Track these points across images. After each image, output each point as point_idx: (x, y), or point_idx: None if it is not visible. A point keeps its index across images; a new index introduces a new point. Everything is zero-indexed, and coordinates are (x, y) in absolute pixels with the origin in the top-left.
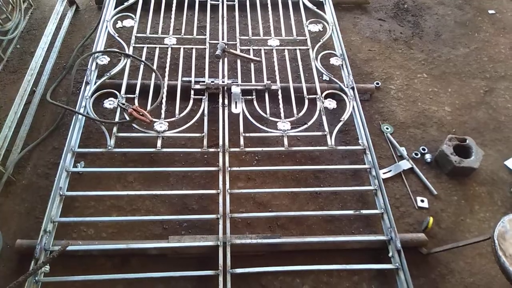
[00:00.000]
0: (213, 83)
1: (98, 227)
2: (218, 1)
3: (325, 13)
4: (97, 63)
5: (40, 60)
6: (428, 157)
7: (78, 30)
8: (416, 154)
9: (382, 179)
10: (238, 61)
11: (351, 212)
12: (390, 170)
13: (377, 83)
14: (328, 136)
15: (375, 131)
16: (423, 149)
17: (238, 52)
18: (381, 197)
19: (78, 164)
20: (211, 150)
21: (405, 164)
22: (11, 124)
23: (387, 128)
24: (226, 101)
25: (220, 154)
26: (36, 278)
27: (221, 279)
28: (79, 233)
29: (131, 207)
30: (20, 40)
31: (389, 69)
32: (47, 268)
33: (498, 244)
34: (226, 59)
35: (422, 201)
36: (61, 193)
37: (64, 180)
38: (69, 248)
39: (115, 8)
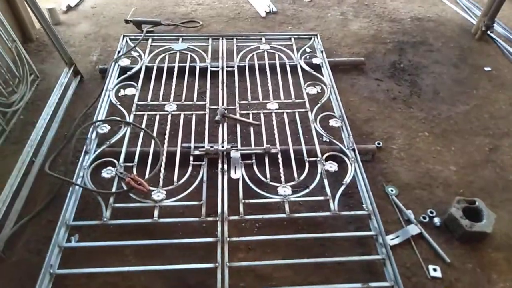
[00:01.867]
0: (212, 149)
1: None
2: (218, 67)
3: (322, 75)
4: (97, 132)
5: (41, 131)
6: (437, 220)
7: (81, 99)
8: (424, 218)
9: (390, 245)
10: (238, 125)
11: (358, 285)
12: (398, 236)
13: (378, 143)
14: (330, 201)
15: (379, 193)
16: (431, 212)
17: (237, 116)
18: (390, 267)
19: (73, 237)
20: (210, 219)
21: (414, 229)
22: (5, 198)
23: (391, 190)
24: (225, 167)
25: (219, 223)
26: None
27: None
28: None
29: (126, 283)
30: (24, 110)
31: (390, 129)
32: None
33: None
34: (225, 124)
35: (435, 270)
36: (51, 271)
37: (56, 256)
38: None
39: (118, 77)
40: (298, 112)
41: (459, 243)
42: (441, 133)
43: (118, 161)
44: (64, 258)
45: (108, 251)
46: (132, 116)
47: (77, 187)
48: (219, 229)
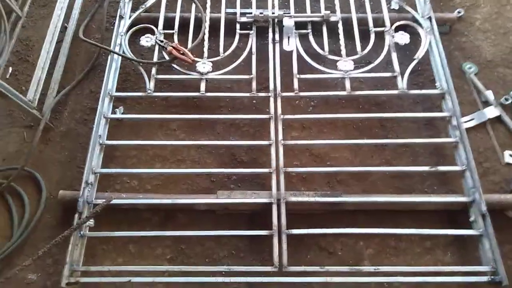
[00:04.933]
0: (261, 15)
1: (142, 179)
2: None
3: None
4: None
5: None
6: None
7: None
8: (506, 100)
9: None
10: None
11: (425, 168)
12: (473, 119)
13: (459, 12)
14: (399, 78)
15: (454, 72)
16: None
17: None
18: (463, 151)
19: (117, 109)
20: (261, 94)
21: (492, 112)
22: (43, 65)
23: (469, 68)
24: (277, 36)
25: (271, 100)
26: (81, 233)
27: (276, 240)
28: (122, 184)
29: (175, 157)
30: None
31: None
32: (91, 222)
33: None
34: None
35: (511, 155)
36: (101, 142)
37: (103, 127)
38: (113, 202)
39: None
40: None
41: None
42: None
43: (157, 28)
44: (111, 130)
45: (153, 125)
46: None
47: (116, 56)
48: (271, 105)
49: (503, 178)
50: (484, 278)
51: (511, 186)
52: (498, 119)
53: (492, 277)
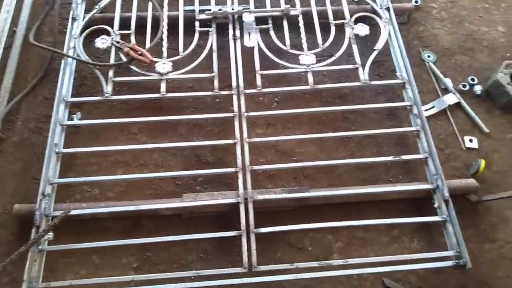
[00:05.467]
0: (220, 12)
1: (103, 186)
2: None
3: None
4: None
5: None
6: (477, 88)
7: None
8: (464, 86)
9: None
10: None
11: (389, 158)
12: (433, 106)
13: (416, 1)
14: (360, 69)
15: (414, 61)
16: (472, 80)
17: None
18: (424, 139)
19: (74, 115)
20: (224, 92)
21: (451, 98)
22: None
23: (428, 56)
24: (237, 33)
25: (234, 97)
26: (40, 248)
27: (244, 240)
28: (83, 193)
29: (138, 162)
30: None
31: None
32: (50, 235)
33: None
34: None
35: (471, 140)
36: (57, 150)
37: (59, 135)
38: (72, 212)
39: None
40: None
41: (501, 113)
42: None
43: (113, 28)
44: (69, 137)
45: (113, 129)
46: None
47: (70, 59)
48: (235, 103)
49: (464, 163)
50: (449, 263)
51: (471, 170)
52: (458, 105)
53: (457, 261)
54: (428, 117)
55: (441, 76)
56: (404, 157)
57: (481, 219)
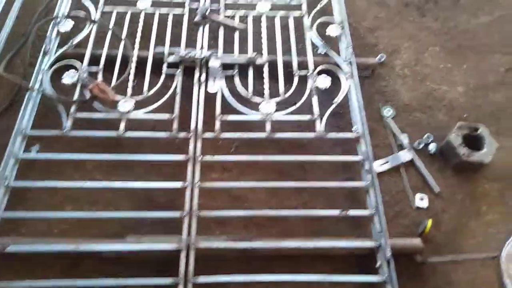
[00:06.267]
0: (188, 56)
1: (50, 222)
2: None
3: None
4: (58, 30)
5: None
6: (432, 147)
7: None
8: (419, 144)
9: (377, 172)
10: (221, 29)
11: (337, 212)
12: (387, 162)
13: (381, 57)
14: (317, 121)
15: (374, 115)
16: (428, 137)
17: (221, 18)
18: (373, 195)
19: (33, 147)
20: (181, 135)
21: (405, 155)
22: None
23: (388, 111)
24: (203, 77)
25: (191, 141)
26: None
27: None
28: (29, 228)
29: (88, 199)
30: None
31: (397, 40)
32: None
33: (505, 268)
34: (206, 27)
35: (422, 199)
36: (6, 183)
37: (12, 167)
38: (10, 249)
39: None
40: (293, 16)
41: (452, 173)
42: (455, 49)
43: (82, 64)
44: (22, 169)
45: (69, 164)
46: (99, 12)
47: (35, 92)
48: (191, 146)
49: (413, 221)
50: None
51: (419, 229)
52: (412, 162)
53: None
54: (382, 173)
55: (398, 132)
56: (352, 212)
57: (426, 281)
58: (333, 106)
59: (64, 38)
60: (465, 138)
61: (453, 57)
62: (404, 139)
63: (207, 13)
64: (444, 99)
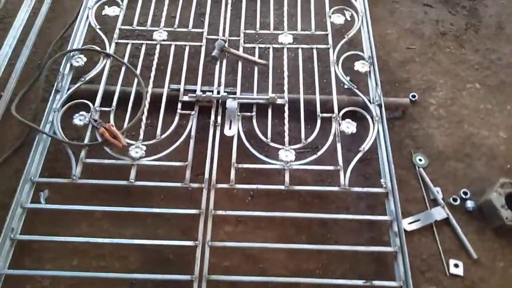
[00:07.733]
0: (204, 95)
1: (55, 278)
2: None
3: None
4: (71, 64)
5: (7, 58)
6: (470, 204)
7: (59, 17)
8: (455, 200)
9: (407, 231)
10: (239, 63)
11: (360, 283)
12: (419, 220)
13: (413, 96)
14: (341, 173)
15: (404, 162)
16: (465, 193)
17: (240, 52)
18: (401, 263)
19: (42, 192)
20: (194, 185)
21: (439, 213)
22: None
23: (420, 160)
24: (219, 119)
25: (204, 192)
26: None
27: None
28: (33, 284)
29: (96, 251)
30: None
31: (431, 76)
32: None
33: None
34: (224, 61)
35: (456, 265)
36: (12, 236)
37: (18, 218)
38: None
39: None
40: (317, 48)
41: (492, 235)
42: (497, 86)
43: (94, 103)
44: (30, 216)
45: (78, 212)
46: (113, 44)
47: (44, 135)
48: (203, 199)
49: None
50: None
51: None
52: (447, 221)
53: None
54: (413, 232)
55: (431, 185)
56: (377, 282)
57: None
58: (359, 154)
59: (79, 70)
60: (508, 199)
61: (494, 96)
62: (438, 193)
63: (225, 47)
64: (483, 146)
